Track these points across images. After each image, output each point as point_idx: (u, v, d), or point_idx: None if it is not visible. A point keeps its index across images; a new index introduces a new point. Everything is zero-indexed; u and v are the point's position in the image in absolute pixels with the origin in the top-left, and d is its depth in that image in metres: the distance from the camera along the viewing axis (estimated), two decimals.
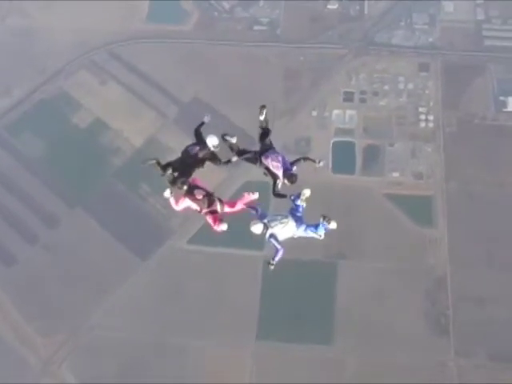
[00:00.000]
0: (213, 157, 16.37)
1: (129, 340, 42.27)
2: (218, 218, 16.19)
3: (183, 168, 16.14)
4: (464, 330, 42.12)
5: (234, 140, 16.38)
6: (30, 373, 42.12)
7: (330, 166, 47.69)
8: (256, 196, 16.35)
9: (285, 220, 15.61)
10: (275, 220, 15.61)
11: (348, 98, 51.15)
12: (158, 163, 16.18)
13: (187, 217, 43.19)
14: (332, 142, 49.00)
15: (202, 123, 16.79)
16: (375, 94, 51.38)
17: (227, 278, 43.82)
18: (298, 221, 15.74)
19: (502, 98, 50.63)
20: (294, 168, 16.15)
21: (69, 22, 52.76)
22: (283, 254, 15.70)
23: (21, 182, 47.72)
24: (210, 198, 15.98)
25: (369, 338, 41.86)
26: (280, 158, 15.92)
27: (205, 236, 43.25)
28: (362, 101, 51.13)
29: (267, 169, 16.10)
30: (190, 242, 45.22)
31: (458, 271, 43.83)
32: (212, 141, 16.19)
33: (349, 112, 50.46)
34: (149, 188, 46.79)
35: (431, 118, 50.07)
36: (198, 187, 16.07)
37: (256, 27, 53.88)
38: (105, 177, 48.01)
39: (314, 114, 50.24)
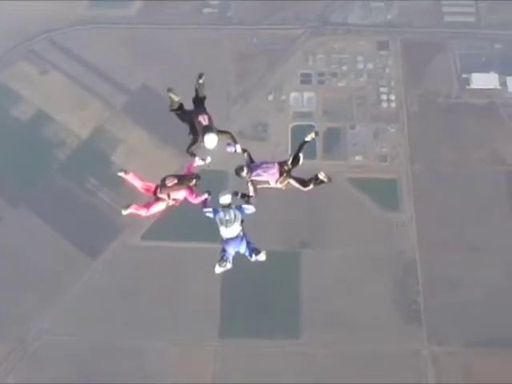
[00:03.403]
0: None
1: (82, 345, 39.89)
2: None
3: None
4: (436, 316, 40.89)
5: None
6: None
7: (290, 151, 45.85)
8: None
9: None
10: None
11: (305, 79, 49.30)
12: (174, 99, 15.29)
13: None
14: (291, 126, 47.11)
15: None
16: (334, 74, 49.59)
17: (185, 273, 41.82)
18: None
19: (464, 75, 49.39)
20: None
21: (4, 9, 49.36)
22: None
23: None
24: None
25: (338, 328, 40.31)
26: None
27: (159, 230, 41.83)
28: (321, 82, 49.31)
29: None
30: (143, 237, 43.06)
31: (427, 255, 42.61)
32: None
33: (307, 94, 48.65)
34: (97, 182, 44.58)
35: (393, 97, 48.66)
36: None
37: (206, 10, 51.45)
38: (49, 172, 45.24)
39: (271, 97, 48.27)
